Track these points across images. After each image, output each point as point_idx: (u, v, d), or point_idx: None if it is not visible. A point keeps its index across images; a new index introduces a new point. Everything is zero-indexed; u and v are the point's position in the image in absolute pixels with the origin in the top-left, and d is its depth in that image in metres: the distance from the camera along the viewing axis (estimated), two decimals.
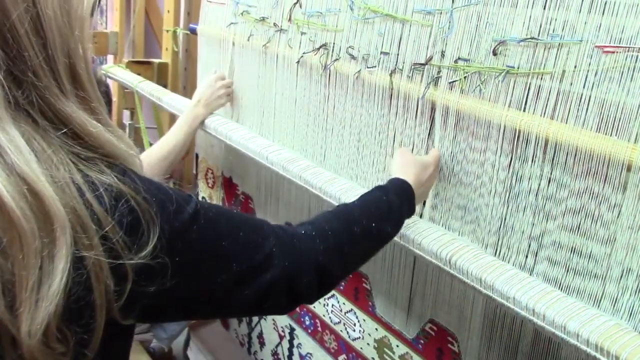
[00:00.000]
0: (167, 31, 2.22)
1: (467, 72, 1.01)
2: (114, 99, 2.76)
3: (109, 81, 2.36)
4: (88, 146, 0.60)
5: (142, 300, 0.60)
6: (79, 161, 0.59)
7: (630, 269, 0.84)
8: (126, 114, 2.91)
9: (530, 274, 0.96)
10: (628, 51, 0.81)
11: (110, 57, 2.96)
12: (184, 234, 0.64)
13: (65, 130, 0.59)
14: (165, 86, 2.25)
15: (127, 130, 2.83)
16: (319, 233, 0.82)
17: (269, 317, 1.79)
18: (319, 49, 1.32)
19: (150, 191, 0.62)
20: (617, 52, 0.82)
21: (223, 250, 0.69)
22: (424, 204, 1.14)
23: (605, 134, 0.84)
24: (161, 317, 0.68)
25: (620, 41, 0.82)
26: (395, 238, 1.07)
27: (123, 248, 0.58)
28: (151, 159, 1.48)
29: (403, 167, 1.02)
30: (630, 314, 0.85)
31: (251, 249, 0.72)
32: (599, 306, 0.88)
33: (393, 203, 0.93)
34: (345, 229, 0.86)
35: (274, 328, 1.77)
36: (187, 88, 2.32)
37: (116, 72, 2.15)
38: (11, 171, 0.53)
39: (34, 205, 0.53)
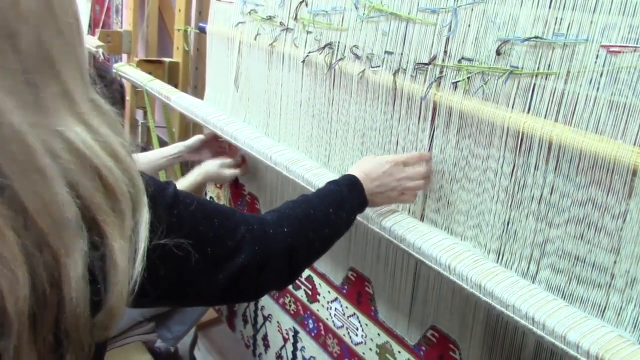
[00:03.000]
0: (178, 30, 2.20)
1: (470, 72, 0.98)
2: (127, 97, 2.76)
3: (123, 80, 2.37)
4: None
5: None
6: None
7: (635, 279, 0.81)
8: (140, 112, 2.92)
9: (532, 281, 0.93)
10: (635, 51, 0.77)
11: (125, 57, 2.96)
12: (166, 217, 0.67)
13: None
14: (176, 85, 2.24)
15: (140, 129, 2.84)
16: (286, 219, 0.88)
17: (274, 320, 1.77)
18: (324, 48, 1.30)
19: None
20: (624, 52, 0.79)
21: (199, 234, 0.72)
22: (427, 207, 1.12)
23: (611, 137, 0.81)
24: (136, 302, 0.69)
25: (627, 41, 0.78)
26: (395, 241, 1.05)
27: None
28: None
29: (356, 165, 1.10)
30: (635, 325, 0.81)
31: (224, 235, 0.76)
32: (602, 316, 0.85)
33: (344, 193, 1.00)
34: (308, 215, 0.91)
35: (279, 330, 1.75)
36: (197, 87, 2.31)
37: (127, 70, 2.15)
38: (114, 154, 0.56)
39: (129, 181, 0.57)
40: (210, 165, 1.66)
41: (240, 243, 0.77)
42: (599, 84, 0.82)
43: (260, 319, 1.86)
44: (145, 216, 0.58)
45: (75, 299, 0.51)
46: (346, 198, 0.99)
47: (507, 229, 0.98)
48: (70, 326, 0.52)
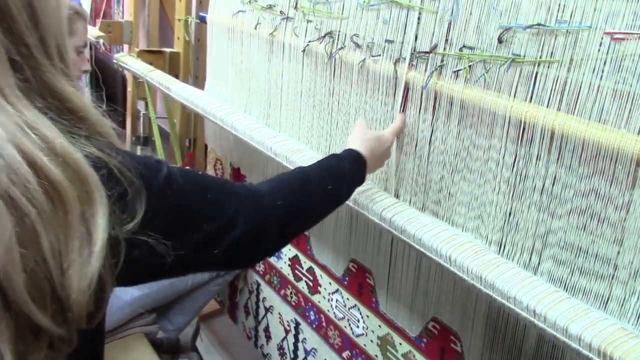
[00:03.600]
0: (179, 20, 2.19)
1: (471, 61, 0.96)
2: (128, 88, 2.75)
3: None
4: (79, 123, 0.62)
5: (126, 265, 0.62)
6: (75, 138, 0.60)
7: (639, 271, 0.79)
8: (142, 103, 2.90)
9: (534, 273, 0.92)
10: None
11: (126, 47, 2.95)
12: (161, 198, 0.67)
13: (62, 108, 0.61)
14: (177, 76, 2.23)
15: (142, 120, 2.82)
16: (280, 190, 0.87)
17: (275, 311, 1.76)
18: (324, 37, 1.28)
19: (131, 162, 0.64)
20: (628, 39, 0.77)
21: (194, 211, 0.72)
22: (428, 198, 1.10)
23: (614, 126, 0.79)
24: (134, 280, 0.73)
25: (632, 28, 0.77)
26: (396, 232, 1.03)
27: (116, 220, 0.60)
28: None
29: (359, 139, 1.07)
30: (638, 317, 0.80)
31: (218, 209, 0.75)
32: (605, 309, 0.84)
33: (345, 168, 0.99)
34: (303, 187, 0.91)
35: (280, 322, 1.74)
36: (199, 78, 2.29)
37: (127, 61, 2.13)
38: (48, 146, 0.55)
39: (71, 173, 0.56)
40: None
41: (234, 215, 0.77)
42: (603, 72, 0.80)
43: (261, 311, 1.85)
44: (100, 208, 0.57)
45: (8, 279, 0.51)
46: (347, 173, 0.99)
47: (508, 220, 0.96)
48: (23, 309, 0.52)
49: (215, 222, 0.74)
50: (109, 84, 3.45)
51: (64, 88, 0.61)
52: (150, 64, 2.15)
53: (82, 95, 0.64)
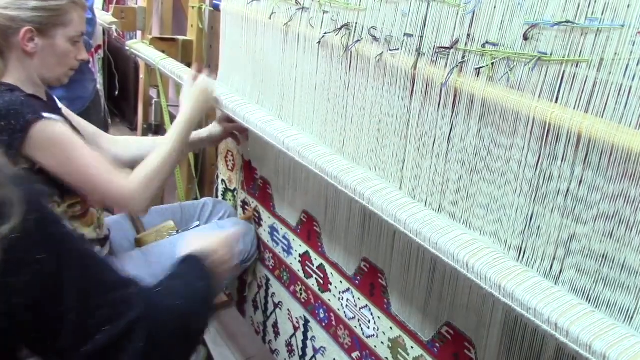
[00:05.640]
0: (193, 7, 2.15)
1: (495, 58, 0.92)
2: (141, 75, 2.72)
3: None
4: None
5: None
6: None
7: None
8: (154, 90, 2.87)
9: (555, 283, 0.88)
10: None
11: (139, 33, 2.91)
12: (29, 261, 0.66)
13: None
14: (189, 64, 2.19)
15: (154, 107, 2.79)
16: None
17: (285, 307, 1.73)
18: (340, 29, 1.24)
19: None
20: None
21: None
22: (445, 199, 1.06)
23: None
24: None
25: None
26: (411, 235, 0.99)
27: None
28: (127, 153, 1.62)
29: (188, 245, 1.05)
30: None
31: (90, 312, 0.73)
32: (630, 323, 0.79)
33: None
34: None
35: (289, 318, 1.72)
36: (212, 66, 2.25)
37: (140, 48, 2.10)
38: None
39: None
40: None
41: (97, 327, 0.73)
42: (635, 73, 0.75)
43: (270, 306, 1.82)
44: None
45: None
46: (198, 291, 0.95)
47: (529, 224, 0.92)
48: None
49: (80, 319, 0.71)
50: (121, 70, 3.43)
51: None
52: (163, 51, 2.12)
53: None
